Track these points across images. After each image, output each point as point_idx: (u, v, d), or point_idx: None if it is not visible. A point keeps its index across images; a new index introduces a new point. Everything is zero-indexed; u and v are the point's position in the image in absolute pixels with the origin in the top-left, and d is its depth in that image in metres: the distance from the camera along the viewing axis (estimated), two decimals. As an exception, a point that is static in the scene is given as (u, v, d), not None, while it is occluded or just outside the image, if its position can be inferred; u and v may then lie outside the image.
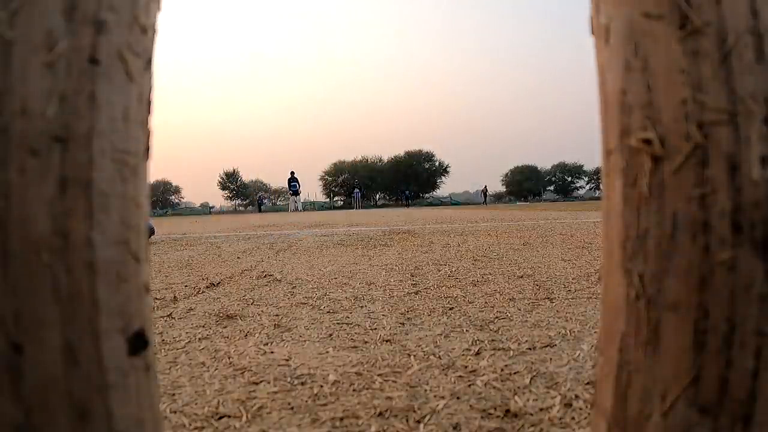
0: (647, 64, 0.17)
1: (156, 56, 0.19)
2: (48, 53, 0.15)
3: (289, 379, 0.41)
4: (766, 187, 0.16)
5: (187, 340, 0.55)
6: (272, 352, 0.49)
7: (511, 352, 0.47)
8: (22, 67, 0.15)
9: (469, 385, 0.39)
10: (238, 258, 1.44)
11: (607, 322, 0.19)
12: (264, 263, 1.28)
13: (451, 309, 0.67)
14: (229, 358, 0.48)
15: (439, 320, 0.61)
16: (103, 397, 0.16)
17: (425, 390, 0.38)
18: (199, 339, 0.56)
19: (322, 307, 0.71)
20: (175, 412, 0.35)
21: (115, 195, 0.16)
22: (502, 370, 0.42)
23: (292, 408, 0.36)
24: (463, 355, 0.46)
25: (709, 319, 0.16)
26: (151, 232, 2.41)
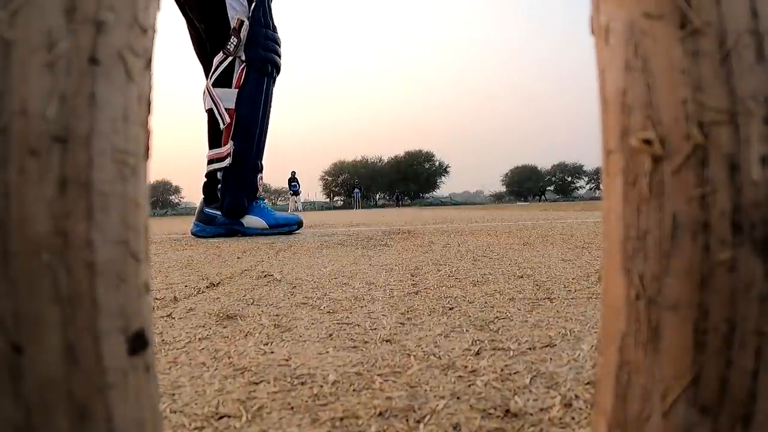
0: (647, 64, 0.17)
1: (156, 56, 0.19)
2: (48, 53, 0.15)
3: (289, 379, 0.41)
4: (766, 187, 0.16)
5: (187, 340, 0.55)
6: (272, 352, 0.49)
7: (511, 352, 0.47)
8: (22, 67, 0.15)
9: (469, 385, 0.39)
10: (238, 258, 1.44)
11: (607, 322, 0.19)
12: (264, 263, 1.28)
13: (451, 309, 0.67)
14: (229, 358, 0.48)
15: (439, 320, 0.61)
16: (103, 397, 0.16)
17: (425, 390, 0.38)
18: (199, 339, 0.56)
19: (322, 307, 0.71)
20: (175, 412, 0.35)
21: (114, 195, 0.16)
22: (502, 370, 0.42)
23: (292, 408, 0.36)
24: (463, 355, 0.46)
25: (709, 319, 0.16)
26: (300, 224, 2.47)
